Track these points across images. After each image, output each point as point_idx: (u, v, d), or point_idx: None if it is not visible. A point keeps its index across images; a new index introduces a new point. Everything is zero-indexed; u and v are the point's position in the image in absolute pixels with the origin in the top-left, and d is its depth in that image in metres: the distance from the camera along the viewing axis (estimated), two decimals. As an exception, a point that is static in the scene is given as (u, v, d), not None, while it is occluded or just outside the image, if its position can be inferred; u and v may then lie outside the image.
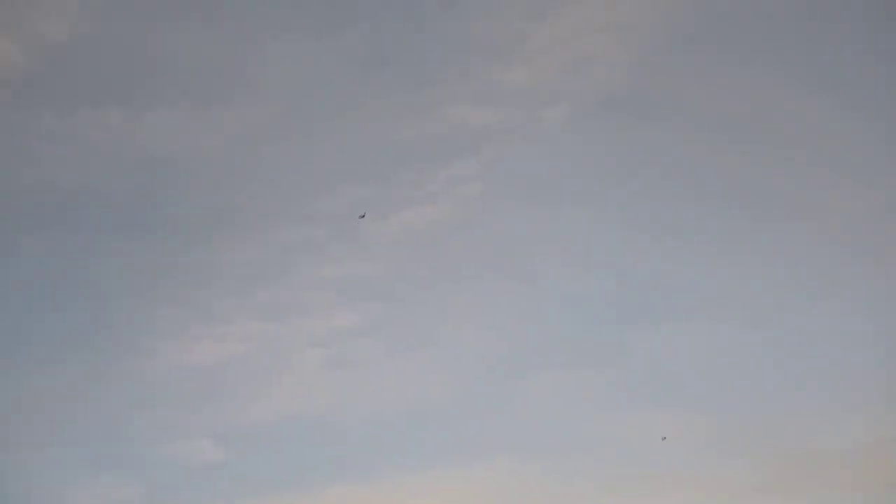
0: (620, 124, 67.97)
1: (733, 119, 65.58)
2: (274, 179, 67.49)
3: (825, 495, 54.19)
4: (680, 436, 58.48)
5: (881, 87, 62.53)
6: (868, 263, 61.15)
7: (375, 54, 69.61)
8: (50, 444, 56.17)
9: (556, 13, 68.39)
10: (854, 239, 61.68)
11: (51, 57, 63.32)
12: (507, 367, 65.65)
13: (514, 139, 69.67)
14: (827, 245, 62.04)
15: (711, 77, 67.34)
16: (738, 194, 65.29)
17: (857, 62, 63.46)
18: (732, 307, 63.21)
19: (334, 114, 69.38)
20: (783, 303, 64.20)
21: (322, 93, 69.61)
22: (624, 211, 67.80)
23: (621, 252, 64.95)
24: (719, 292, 62.58)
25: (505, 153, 68.17)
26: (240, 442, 64.59)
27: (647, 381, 62.01)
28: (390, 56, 69.11)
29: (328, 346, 67.41)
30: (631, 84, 68.43)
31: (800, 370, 59.35)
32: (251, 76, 69.51)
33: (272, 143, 68.16)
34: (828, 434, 55.98)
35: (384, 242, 67.23)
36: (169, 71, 67.31)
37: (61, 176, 63.61)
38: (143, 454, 58.56)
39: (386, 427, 65.16)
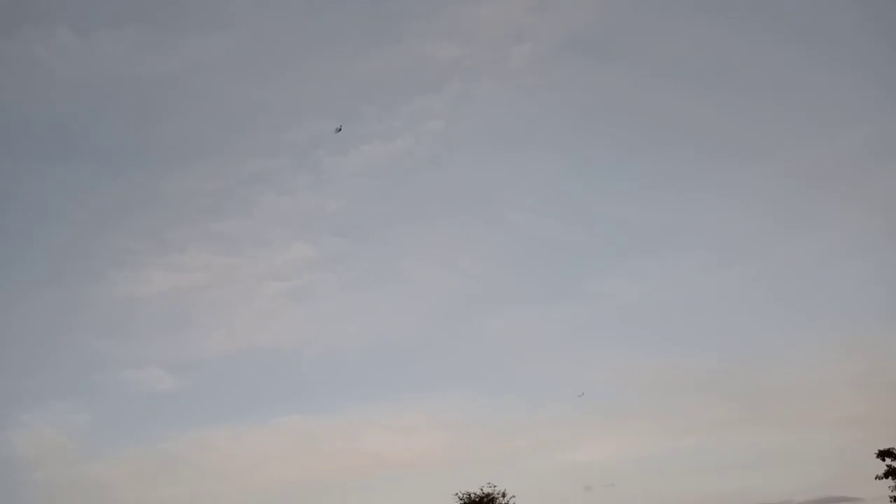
0: (586, 65, 67.65)
1: (700, 61, 65.93)
2: (233, 109, 65.72)
3: (787, 430, 55.65)
4: (641, 373, 59.37)
5: (851, 32, 62.90)
6: (835, 204, 62.05)
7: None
8: (2, 370, 54.92)
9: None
10: (821, 180, 62.68)
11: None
12: (469, 304, 65.71)
13: (479, 76, 68.77)
14: (794, 185, 63.06)
15: (678, 20, 67.10)
16: (704, 136, 65.77)
17: (828, 7, 63.60)
18: (696, 248, 64.01)
19: (296, 44, 67.72)
20: (747, 243, 65.15)
21: (287, 24, 67.81)
22: (589, 152, 67.79)
23: (585, 193, 65.15)
24: (683, 233, 63.30)
25: (469, 91, 67.44)
26: (195, 372, 63.68)
27: (609, 320, 62.71)
28: (357, -13, 67.02)
29: (287, 280, 66.71)
30: (597, 24, 67.86)
31: (763, 309, 60.63)
32: (213, 3, 67.21)
33: (233, 73, 66.33)
34: (792, 371, 57.27)
35: (346, 177, 66.35)
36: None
37: (10, 97, 61.11)
38: (97, 381, 57.21)
39: (344, 360, 64.88)
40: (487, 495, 25.51)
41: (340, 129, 51.50)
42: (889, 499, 28.18)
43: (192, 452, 56.96)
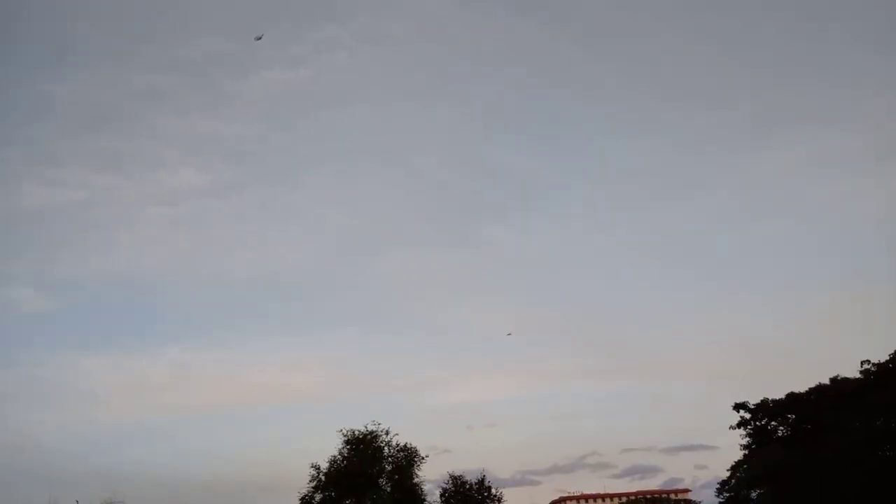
0: (496, 13, 67.25)
1: (604, 15, 66.36)
2: (122, 13, 61.40)
3: (653, 378, 59.10)
4: (520, 322, 61.37)
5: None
6: (709, 175, 64.91)
7: None
8: None
9: None
10: (706, 145, 65.37)
11: None
12: (360, 243, 65.58)
13: (389, 12, 67.03)
14: (677, 155, 65.43)
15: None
16: (606, 90, 66.95)
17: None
18: (584, 205, 65.68)
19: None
20: (629, 203, 67.51)
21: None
22: (493, 103, 67.93)
23: (486, 143, 65.71)
24: (574, 189, 64.78)
25: (377, 26, 65.66)
26: (69, 294, 60.77)
27: (497, 269, 64.32)
28: None
29: (173, 205, 63.90)
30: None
31: (639, 269, 63.70)
32: None
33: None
34: (662, 326, 60.64)
35: (242, 101, 63.58)
36: None
37: None
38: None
39: (231, 292, 63.46)
40: (371, 433, 25.71)
41: (261, 38, 49.16)
42: (739, 446, 30.82)
43: (63, 377, 54.79)
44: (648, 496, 48.64)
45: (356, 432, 25.92)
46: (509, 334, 49.14)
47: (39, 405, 53.78)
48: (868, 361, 26.73)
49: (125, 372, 57.13)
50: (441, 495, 26.91)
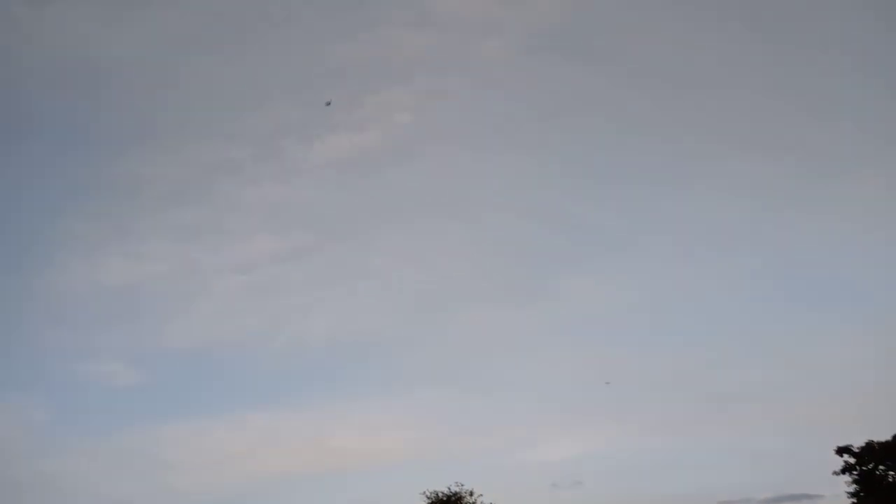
0: (556, 62, 67.60)
1: (670, 59, 66.09)
2: (197, 93, 64.21)
3: (739, 433, 56.58)
4: (601, 374, 59.77)
5: (827, 22, 63.48)
6: (792, 210, 62.85)
7: (310, -29, 66.64)
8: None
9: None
10: (794, 178, 63.46)
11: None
12: (435, 302, 65.45)
13: (448, 70, 68.30)
14: (755, 191, 63.67)
15: (649, 18, 67.32)
16: (674, 135, 66.05)
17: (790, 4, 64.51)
18: (661, 248, 64.44)
19: (263, 28, 66.40)
20: (709, 247, 65.90)
21: (250, 7, 66.57)
22: (558, 151, 67.73)
23: (553, 192, 65.17)
24: (649, 233, 63.73)
25: (438, 84, 66.92)
26: (154, 365, 62.38)
27: (575, 320, 63.02)
28: (325, -28, 66.27)
29: (249, 272, 65.59)
30: (569, 21, 67.93)
31: (723, 311, 61.49)
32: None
33: (196, 54, 64.61)
34: (746, 375, 58.19)
35: (311, 167, 65.41)
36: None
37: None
38: (53, 374, 55.67)
39: (310, 356, 64.14)
40: (455, 494, 25.37)
41: (330, 104, 50.64)
42: (846, 494, 28.91)
43: (151, 447, 55.89)
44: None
45: (440, 494, 25.68)
46: (608, 383, 47.48)
47: (129, 475, 55.02)
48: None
49: (208, 440, 58.08)
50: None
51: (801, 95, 64.78)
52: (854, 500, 27.78)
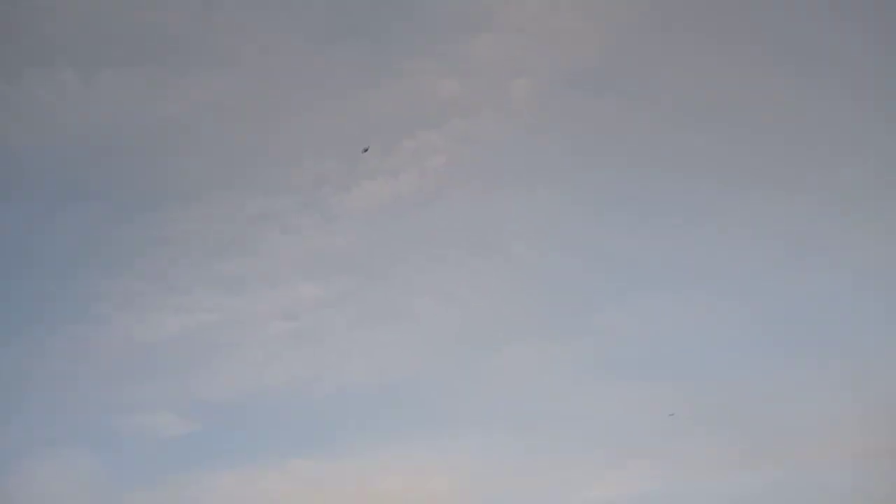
0: (588, 100, 68.30)
1: (706, 92, 66.37)
2: (240, 151, 66.05)
3: (798, 467, 55.63)
4: (651, 407, 59.39)
5: (869, 62, 63.65)
6: (848, 234, 62.46)
7: (342, 23, 68.65)
8: (7, 417, 54.25)
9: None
10: (829, 210, 63.10)
11: (1, 16, 60.81)
12: (478, 342, 65.67)
13: (480, 112, 69.39)
14: (798, 217, 63.40)
15: (682, 54, 67.91)
16: (711, 167, 66.21)
17: (837, 32, 64.61)
18: (704, 280, 64.26)
19: (299, 85, 68.21)
20: (757, 274, 65.41)
21: (287, 62, 68.36)
22: (592, 186, 68.21)
23: (590, 228, 65.48)
24: (690, 265, 63.60)
25: (471, 126, 67.95)
26: (203, 416, 63.28)
27: (619, 355, 62.72)
28: (357, 25, 68.16)
29: (293, 319, 66.54)
30: (599, 60, 68.75)
31: (773, 341, 60.76)
32: (217, 45, 67.84)
33: (237, 114, 66.71)
34: (802, 406, 57.34)
35: (349, 214, 66.50)
36: (130, 35, 65.15)
37: (14, 141, 61.16)
38: (109, 427, 56.77)
39: (354, 401, 64.62)
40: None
41: (367, 150, 51.37)
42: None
43: (203, 497, 56.52)
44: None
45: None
46: (672, 415, 46.51)
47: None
48: None
49: (254, 488, 58.58)
50: None
51: (837, 130, 64.75)
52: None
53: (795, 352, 59.52)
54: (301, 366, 63.37)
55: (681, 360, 60.53)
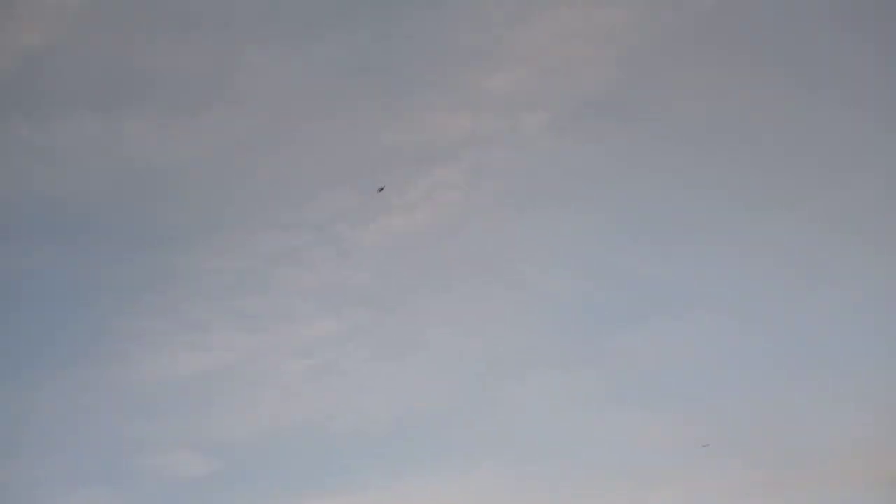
0: (602, 127, 68.53)
1: (717, 117, 66.44)
2: (255, 188, 66.89)
3: (822, 493, 53.94)
4: (672, 435, 58.21)
5: (874, 80, 63.46)
6: (863, 255, 61.53)
7: (354, 62, 69.65)
8: (28, 456, 54.39)
9: (536, 18, 69.05)
10: (848, 231, 62.23)
11: (26, 65, 62.49)
12: (494, 371, 65.07)
13: (494, 145, 69.80)
14: (819, 238, 62.58)
15: (693, 78, 68.14)
16: (726, 191, 65.89)
17: (845, 52, 64.50)
18: (721, 303, 63.43)
19: (314, 122, 69.15)
20: (774, 297, 64.44)
21: (301, 101, 69.44)
22: (606, 211, 68.04)
23: (604, 252, 65.11)
24: (707, 289, 62.83)
25: (485, 160, 68.27)
26: (225, 453, 63.05)
27: (637, 381, 61.75)
28: (369, 63, 69.20)
29: (312, 355, 66.40)
30: (612, 88, 69.05)
31: (792, 365, 59.55)
32: (231, 85, 69.11)
33: (253, 152, 67.68)
34: (824, 431, 55.89)
35: (366, 250, 66.64)
36: (148, 79, 66.71)
37: (38, 186, 62.45)
38: (126, 467, 56.72)
39: (373, 435, 64.07)
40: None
41: (382, 189, 51.73)
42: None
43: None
44: None
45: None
46: (706, 446, 45.53)
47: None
48: None
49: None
50: None
51: (852, 148, 64.14)
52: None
53: (817, 376, 58.21)
54: (318, 402, 63.05)
55: (701, 386, 59.40)
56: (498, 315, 65.86)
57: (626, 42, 67.52)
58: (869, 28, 62.42)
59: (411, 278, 66.50)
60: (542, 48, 67.65)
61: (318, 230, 66.69)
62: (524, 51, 67.95)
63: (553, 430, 61.28)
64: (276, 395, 62.71)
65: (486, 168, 67.78)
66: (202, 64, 66.62)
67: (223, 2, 67.22)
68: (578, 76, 67.88)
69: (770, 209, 64.97)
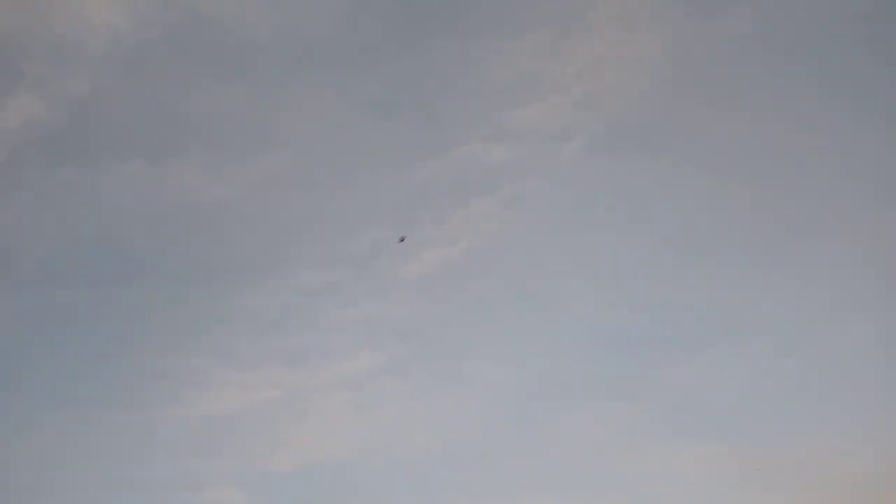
0: (636, 155, 68.48)
1: (751, 141, 66.10)
2: (295, 226, 68.27)
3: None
4: (717, 467, 57.07)
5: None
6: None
7: (389, 99, 70.95)
8: (67, 495, 55.48)
9: (568, 49, 69.39)
10: (893, 258, 60.76)
11: (74, 111, 64.94)
12: (537, 404, 64.66)
13: (530, 175, 70.12)
14: (863, 265, 61.31)
15: (724, 102, 68.01)
16: (762, 216, 65.11)
17: (879, 77, 63.75)
18: (766, 334, 62.28)
19: (351, 159, 70.46)
20: (818, 325, 63.05)
21: (338, 140, 70.88)
22: (646, 239, 67.67)
23: (646, 282, 64.59)
24: (750, 317, 61.83)
25: (521, 190, 68.62)
26: (266, 489, 63.64)
27: (682, 413, 60.75)
28: (404, 100, 70.37)
29: (353, 389, 66.88)
30: (645, 115, 69.08)
31: (836, 395, 58.04)
32: (269, 127, 70.90)
33: (293, 191, 69.20)
34: (866, 461, 54.36)
35: (405, 283, 67.20)
36: (191, 123, 68.76)
37: (84, 228, 64.55)
38: None
39: (414, 468, 64.05)
40: None
41: (404, 240, 52.16)
42: None
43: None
44: None
45: None
46: (760, 469, 45.26)
47: None
48: None
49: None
50: None
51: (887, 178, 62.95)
52: None
53: (868, 407, 56.59)
54: (362, 436, 63.38)
55: (747, 419, 58.14)
56: (538, 346, 65.65)
57: (658, 69, 67.63)
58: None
59: (450, 311, 66.83)
60: (573, 79, 68.06)
61: (359, 265, 67.59)
62: (556, 82, 68.42)
63: (596, 463, 60.48)
64: (318, 429, 63.23)
65: (522, 198, 68.12)
66: (243, 107, 68.57)
67: (260, 45, 69.42)
68: (612, 104, 68.07)
69: (813, 234, 63.88)
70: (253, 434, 64.67)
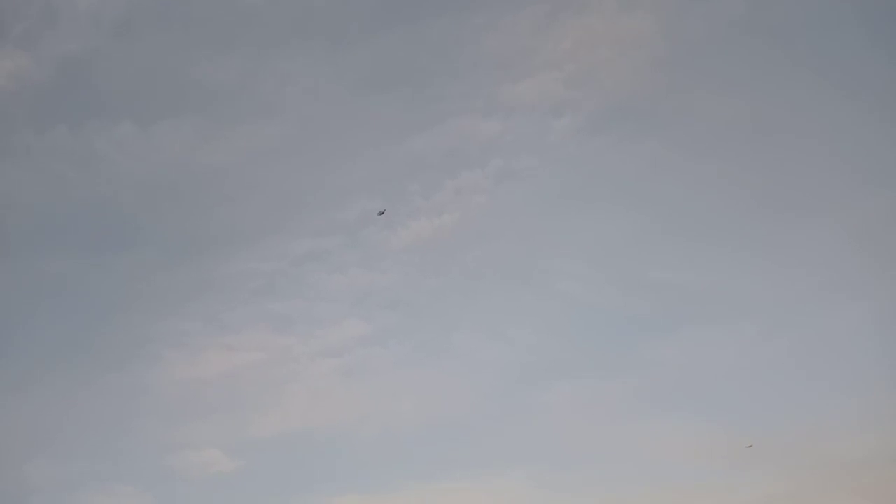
0: (628, 132, 68.56)
1: (743, 123, 66.31)
2: (285, 193, 68.05)
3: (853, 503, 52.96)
4: (700, 445, 57.65)
5: None
6: (893, 264, 60.49)
7: (384, 70, 70.67)
8: (58, 454, 55.55)
9: (563, 25, 69.27)
10: (881, 239, 61.28)
11: (65, 73, 64.38)
12: (522, 377, 65.00)
13: (521, 150, 70.15)
14: (849, 247, 61.76)
15: (716, 83, 68.10)
16: (752, 198, 65.43)
17: (870, 60, 64.04)
18: (752, 312, 62.77)
19: (344, 128, 70.21)
20: (804, 306, 63.61)
21: (331, 109, 70.52)
22: (634, 217, 67.94)
23: (636, 261, 64.93)
24: (738, 297, 62.31)
25: (512, 164, 68.67)
26: (250, 453, 63.83)
27: (666, 390, 61.28)
28: (398, 72, 70.22)
29: (340, 356, 67.03)
30: (638, 93, 69.10)
31: (822, 375, 58.64)
32: (262, 94, 70.49)
33: (283, 159, 68.92)
34: (852, 441, 55.02)
35: (394, 253, 67.30)
36: (181, 87, 68.25)
37: (72, 189, 64.12)
38: (153, 465, 57.78)
39: (399, 437, 64.34)
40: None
41: (383, 213, 52.12)
42: None
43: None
44: None
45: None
46: (750, 447, 45.83)
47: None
48: None
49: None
50: None
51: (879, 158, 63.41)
52: None
53: (849, 384, 57.24)
54: (348, 403, 63.57)
55: (731, 395, 58.73)
56: (526, 321, 65.93)
57: (653, 48, 67.58)
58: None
59: (438, 282, 66.97)
60: (567, 55, 67.91)
61: (347, 234, 67.58)
62: (549, 58, 68.23)
63: (581, 437, 61.01)
64: (304, 395, 63.41)
65: (513, 172, 68.21)
66: (235, 73, 68.01)
67: (254, 14, 68.92)
68: (605, 82, 68.04)
69: (801, 216, 64.29)
70: (239, 398, 64.76)
